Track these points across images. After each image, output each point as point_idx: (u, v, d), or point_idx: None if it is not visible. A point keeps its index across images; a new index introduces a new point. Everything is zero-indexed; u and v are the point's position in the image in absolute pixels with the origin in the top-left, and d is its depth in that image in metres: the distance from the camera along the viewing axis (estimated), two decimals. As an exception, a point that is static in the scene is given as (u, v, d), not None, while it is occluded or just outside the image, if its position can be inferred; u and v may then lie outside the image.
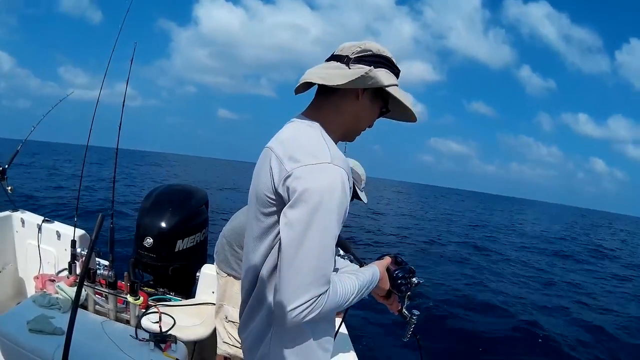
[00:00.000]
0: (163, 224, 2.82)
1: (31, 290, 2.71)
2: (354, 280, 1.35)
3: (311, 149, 1.24)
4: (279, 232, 1.24)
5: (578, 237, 27.90)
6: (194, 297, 2.78)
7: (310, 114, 1.40)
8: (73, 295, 2.30)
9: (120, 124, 2.80)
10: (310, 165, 1.19)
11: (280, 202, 1.24)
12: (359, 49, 1.35)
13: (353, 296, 1.33)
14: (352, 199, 2.99)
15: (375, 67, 1.31)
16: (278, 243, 1.26)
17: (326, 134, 1.32)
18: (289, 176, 1.20)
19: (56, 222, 3.18)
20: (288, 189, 1.20)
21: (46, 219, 3.17)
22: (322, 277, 1.18)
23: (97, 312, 2.38)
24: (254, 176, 1.41)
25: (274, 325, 1.32)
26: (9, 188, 3.23)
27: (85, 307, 2.36)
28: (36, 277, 2.58)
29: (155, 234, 2.79)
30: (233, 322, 2.25)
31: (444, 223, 24.46)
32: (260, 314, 1.36)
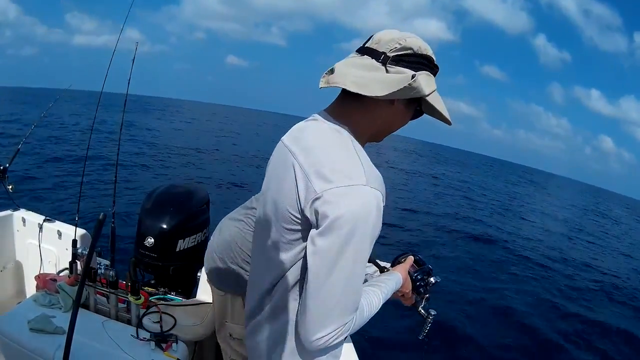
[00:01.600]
0: (164, 224, 2.82)
1: (32, 289, 2.71)
2: (379, 294, 1.33)
3: (344, 166, 1.12)
4: (302, 251, 1.19)
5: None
6: (195, 297, 2.78)
7: (337, 114, 1.28)
8: (74, 294, 2.30)
9: (121, 128, 2.81)
10: (343, 187, 1.08)
11: (306, 223, 1.15)
12: (398, 46, 1.19)
13: (377, 310, 1.31)
14: None
15: (416, 70, 1.18)
16: (300, 262, 1.21)
17: (357, 143, 1.22)
18: (318, 198, 1.09)
19: (57, 222, 3.18)
20: (317, 212, 1.10)
21: (47, 218, 3.17)
22: (351, 307, 1.13)
23: (98, 311, 2.38)
24: (271, 179, 1.34)
25: (287, 342, 1.27)
26: (10, 187, 3.22)
27: (86, 307, 2.36)
28: (37, 277, 2.57)
29: (156, 233, 2.80)
30: (239, 339, 2.14)
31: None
32: (272, 330, 1.30)
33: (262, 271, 1.32)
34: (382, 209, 1.12)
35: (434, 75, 1.27)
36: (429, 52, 1.23)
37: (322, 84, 1.25)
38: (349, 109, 1.27)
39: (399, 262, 1.62)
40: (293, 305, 1.24)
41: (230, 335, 2.16)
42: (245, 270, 2.04)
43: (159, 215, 2.87)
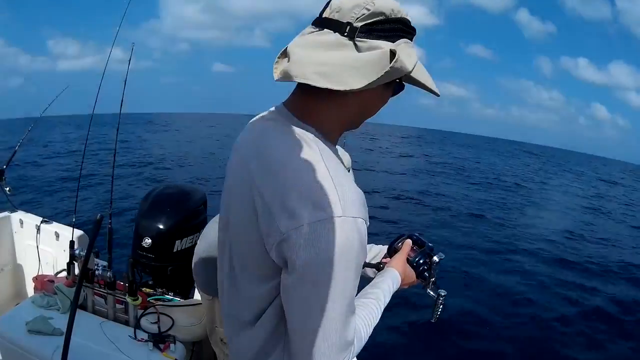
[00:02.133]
0: (161, 225, 2.82)
1: (30, 291, 2.72)
2: (375, 306, 1.19)
3: (313, 193, 0.89)
4: (276, 286, 0.99)
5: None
6: (192, 297, 2.78)
7: (301, 112, 1.04)
8: (72, 295, 2.30)
9: (118, 128, 2.81)
10: (314, 223, 0.86)
11: (273, 262, 0.95)
12: (366, 12, 0.93)
13: (377, 321, 1.18)
14: None
15: (392, 41, 0.95)
16: (278, 299, 1.01)
17: (327, 151, 0.98)
18: (284, 240, 0.89)
19: (55, 223, 3.19)
20: (284, 257, 0.91)
21: (45, 219, 3.18)
22: (344, 347, 0.95)
23: (95, 312, 2.38)
24: (231, 196, 1.10)
25: None
26: (8, 189, 3.23)
27: (84, 308, 2.36)
28: (35, 278, 2.58)
29: (154, 234, 2.79)
30: None
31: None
32: None
33: (236, 304, 1.12)
34: (365, 235, 0.93)
35: (412, 40, 1.01)
36: (403, 12, 0.98)
37: (276, 76, 1.01)
38: (314, 103, 1.03)
39: (395, 250, 1.47)
40: (278, 342, 1.05)
41: (222, 340, 2.18)
42: None
43: (156, 215, 2.87)
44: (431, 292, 1.47)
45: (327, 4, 1.00)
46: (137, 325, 2.27)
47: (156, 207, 2.94)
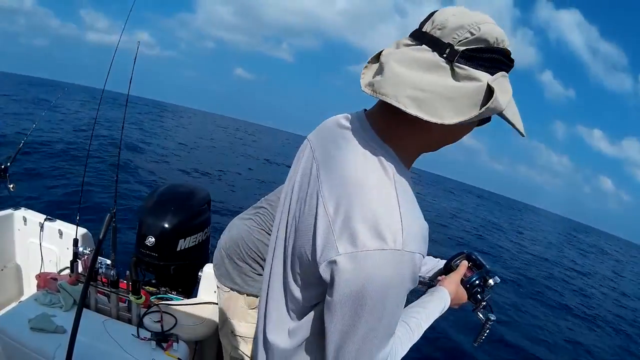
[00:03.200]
0: (165, 224, 2.82)
1: (33, 288, 2.72)
2: (416, 325, 1.17)
3: (377, 219, 0.85)
4: (320, 295, 0.98)
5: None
6: (195, 297, 2.78)
7: (382, 128, 0.99)
8: (75, 294, 2.30)
9: (123, 125, 2.81)
10: (371, 252, 0.83)
11: (321, 278, 0.91)
12: (469, 37, 0.87)
13: (415, 341, 1.17)
14: None
15: (492, 73, 0.89)
16: (315, 311, 1.01)
17: (401, 179, 0.93)
18: (337, 259, 0.86)
19: (58, 221, 3.19)
20: (333, 275, 0.88)
21: (48, 217, 3.17)
22: None
23: (98, 310, 2.38)
24: (295, 192, 1.09)
25: None
26: (11, 186, 3.22)
27: (87, 306, 2.35)
28: (38, 276, 2.58)
29: (157, 233, 2.79)
30: (240, 336, 2.16)
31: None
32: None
33: (276, 303, 1.12)
34: (419, 269, 0.90)
35: (508, 72, 0.94)
36: (507, 43, 0.91)
37: (364, 85, 0.95)
38: (397, 125, 0.98)
39: (451, 268, 1.44)
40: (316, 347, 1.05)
41: (232, 332, 2.17)
42: (251, 267, 2.07)
43: (160, 214, 2.87)
44: (480, 315, 1.44)
45: (429, 16, 0.94)
46: (140, 324, 2.27)
47: (160, 205, 2.93)
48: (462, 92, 0.86)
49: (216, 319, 2.47)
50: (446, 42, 0.87)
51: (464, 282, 1.39)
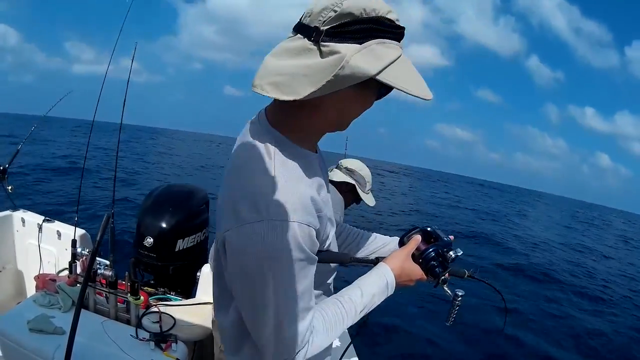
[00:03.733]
0: (163, 224, 2.82)
1: (31, 289, 2.72)
2: (349, 304, 1.17)
3: (253, 195, 0.95)
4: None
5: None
6: (194, 297, 2.78)
7: (274, 118, 1.07)
8: (74, 294, 2.30)
9: (120, 125, 2.81)
10: (247, 225, 0.93)
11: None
12: (333, 15, 0.91)
13: (351, 320, 1.18)
14: (357, 202, 2.97)
15: (361, 42, 0.91)
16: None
17: (284, 160, 1.01)
18: (227, 233, 0.97)
19: (57, 222, 3.19)
20: (227, 250, 0.99)
21: (47, 218, 3.18)
22: (289, 345, 1.02)
23: (97, 311, 2.38)
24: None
25: None
26: (9, 188, 3.23)
27: (85, 307, 2.36)
28: (36, 277, 2.58)
29: (156, 233, 2.80)
30: None
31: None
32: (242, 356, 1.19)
33: (216, 287, 1.22)
34: (301, 236, 0.95)
35: (399, 37, 0.98)
36: (381, 11, 0.93)
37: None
38: (286, 110, 1.05)
39: (404, 244, 1.38)
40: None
41: None
42: None
43: (158, 215, 2.87)
44: (447, 291, 1.34)
45: None
46: (139, 325, 2.27)
47: (158, 206, 2.94)
48: (319, 66, 0.90)
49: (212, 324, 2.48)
50: (313, 25, 0.92)
51: (415, 256, 1.31)
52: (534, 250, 14.52)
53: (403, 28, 0.98)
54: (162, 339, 2.16)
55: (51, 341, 2.02)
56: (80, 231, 2.87)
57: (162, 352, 2.10)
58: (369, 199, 2.85)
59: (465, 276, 1.46)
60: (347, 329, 1.21)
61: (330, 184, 2.85)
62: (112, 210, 2.60)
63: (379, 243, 1.55)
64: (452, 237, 1.39)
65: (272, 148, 1.01)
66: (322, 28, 0.91)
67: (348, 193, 2.83)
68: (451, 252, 1.31)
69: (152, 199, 3.00)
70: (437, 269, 1.29)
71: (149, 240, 2.78)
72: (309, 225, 0.97)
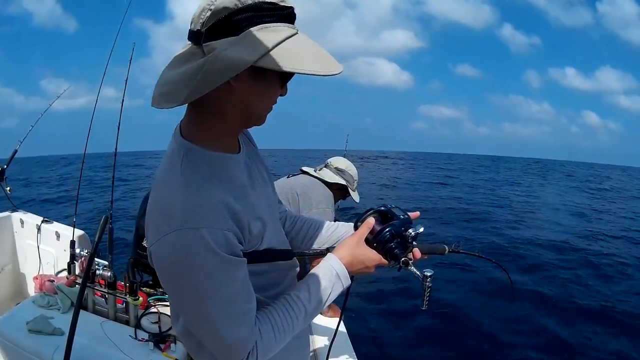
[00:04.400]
0: (162, 224, 2.82)
1: (30, 290, 2.72)
2: (295, 301, 1.14)
3: (164, 208, 0.96)
4: None
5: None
6: (193, 297, 2.78)
7: (185, 128, 1.07)
8: (72, 295, 2.31)
9: (119, 124, 2.82)
10: (164, 237, 0.93)
11: None
12: (209, 15, 0.90)
13: (304, 318, 1.15)
14: (344, 198, 3.04)
15: (239, 33, 0.90)
16: None
17: (192, 166, 1.00)
18: (150, 248, 0.99)
19: (55, 223, 3.19)
20: (154, 264, 1.00)
21: (45, 219, 3.18)
22: (233, 347, 1.01)
23: (96, 312, 2.38)
24: None
25: None
26: (8, 188, 3.23)
27: (84, 308, 2.35)
28: (35, 278, 2.58)
29: (155, 234, 2.80)
30: None
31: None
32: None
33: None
34: (213, 240, 0.94)
35: (287, 18, 0.96)
36: None
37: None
38: (195, 116, 1.05)
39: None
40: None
41: None
42: None
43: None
44: (416, 272, 1.19)
45: None
46: (138, 325, 2.27)
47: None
48: (193, 68, 0.90)
49: None
50: (195, 29, 0.92)
51: (369, 240, 1.22)
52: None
53: (289, 7, 0.96)
54: (161, 339, 2.16)
55: (50, 342, 2.02)
56: (78, 232, 2.87)
57: (161, 352, 2.10)
58: (355, 196, 2.94)
59: (447, 252, 1.35)
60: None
61: (317, 180, 2.90)
62: (110, 211, 2.61)
63: (341, 231, 1.44)
64: (416, 213, 1.30)
65: (180, 159, 1.01)
66: (202, 30, 0.91)
67: (338, 191, 2.92)
68: (410, 230, 1.21)
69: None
70: (395, 251, 1.19)
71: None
72: (221, 229, 0.96)
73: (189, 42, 0.95)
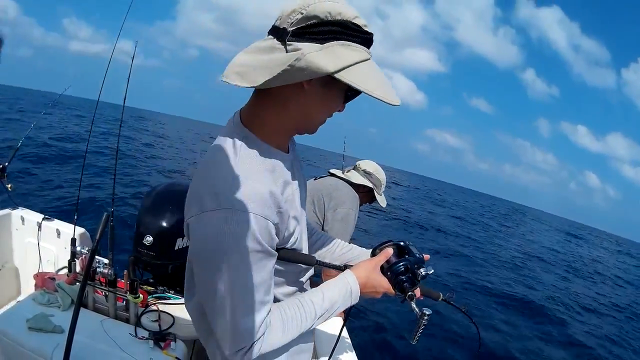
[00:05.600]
0: (163, 223, 2.82)
1: (31, 288, 2.72)
2: (309, 306, 1.20)
3: (215, 187, 1.02)
4: None
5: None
6: (193, 296, 2.78)
7: (246, 116, 1.16)
8: (73, 293, 2.31)
9: (121, 124, 2.82)
10: (208, 213, 1.00)
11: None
12: (299, 17, 1.00)
13: (312, 323, 1.21)
14: (370, 202, 3.03)
15: (323, 42, 0.99)
16: None
17: (250, 155, 1.09)
18: (190, 219, 1.06)
19: (56, 220, 3.20)
20: (189, 236, 1.08)
21: (46, 217, 3.18)
22: (243, 334, 1.06)
23: (96, 310, 2.38)
24: None
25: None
26: (9, 186, 3.23)
27: (84, 305, 2.36)
28: (36, 275, 2.58)
29: (155, 232, 2.79)
30: None
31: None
32: (210, 345, 1.27)
33: (186, 277, 1.28)
34: (258, 228, 1.01)
35: (366, 43, 1.06)
36: (347, 15, 1.01)
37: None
38: (257, 109, 1.15)
39: (374, 256, 1.40)
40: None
41: None
42: None
43: (158, 213, 2.86)
44: (415, 308, 1.32)
45: None
46: (138, 323, 2.27)
47: (159, 204, 2.93)
48: (278, 59, 1.00)
49: None
50: (282, 27, 1.02)
51: (384, 268, 1.32)
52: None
53: (371, 34, 1.06)
54: (161, 337, 2.16)
55: (50, 340, 2.02)
56: (79, 229, 2.87)
57: (162, 350, 2.10)
58: (382, 201, 2.93)
59: (440, 299, 1.48)
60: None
61: (343, 181, 2.90)
62: (112, 208, 2.61)
63: (355, 253, 1.58)
64: (427, 255, 1.38)
65: (238, 143, 1.10)
66: (289, 29, 1.01)
67: (365, 194, 2.92)
68: (422, 270, 1.30)
69: (152, 198, 3.00)
70: (405, 284, 1.30)
71: (149, 239, 2.77)
72: (266, 218, 1.03)
73: (270, 36, 1.05)
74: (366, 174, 2.89)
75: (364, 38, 1.05)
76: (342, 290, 1.26)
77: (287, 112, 1.12)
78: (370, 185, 2.87)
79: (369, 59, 1.06)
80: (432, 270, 1.32)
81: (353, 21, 1.02)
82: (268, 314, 1.11)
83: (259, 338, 1.08)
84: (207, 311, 1.11)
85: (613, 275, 18.57)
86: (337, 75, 0.99)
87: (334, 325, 2.47)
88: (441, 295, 1.48)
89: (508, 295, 9.42)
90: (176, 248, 2.84)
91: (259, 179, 1.06)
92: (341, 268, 1.38)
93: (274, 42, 1.03)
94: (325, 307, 1.22)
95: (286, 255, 1.17)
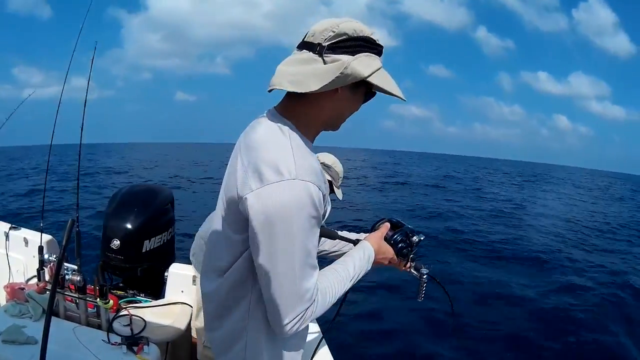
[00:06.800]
0: (129, 225, 2.85)
1: (1, 300, 2.71)
2: (342, 272, 1.36)
3: (275, 161, 1.16)
4: (245, 241, 1.23)
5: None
6: (164, 297, 2.82)
7: (284, 110, 1.32)
8: (43, 302, 2.32)
9: (82, 124, 2.81)
10: (272, 184, 1.13)
11: (244, 216, 1.19)
12: (332, 34, 1.21)
13: (345, 287, 1.36)
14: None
15: (353, 54, 1.21)
16: (246, 253, 1.25)
17: (297, 137, 1.25)
18: (250, 194, 1.15)
19: (23, 229, 3.16)
20: (250, 207, 1.15)
21: (13, 226, 3.14)
22: (304, 296, 1.18)
23: (67, 318, 2.40)
24: (226, 172, 1.36)
25: (247, 332, 1.31)
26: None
27: (56, 314, 2.37)
28: (6, 287, 2.57)
29: (122, 235, 2.82)
30: None
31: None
32: (229, 321, 1.34)
33: (216, 253, 1.38)
34: (316, 197, 1.16)
35: (379, 53, 1.29)
36: (367, 32, 1.24)
37: (269, 87, 1.28)
38: (293, 104, 1.30)
39: (375, 231, 1.61)
40: (250, 287, 1.29)
41: None
42: None
43: (123, 215, 2.89)
44: (414, 272, 1.63)
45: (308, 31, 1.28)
46: (110, 329, 2.29)
47: (123, 207, 2.96)
48: (325, 69, 1.20)
49: (186, 318, 2.53)
50: (316, 42, 1.23)
51: (387, 238, 1.55)
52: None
53: (382, 47, 1.29)
54: (133, 342, 2.20)
55: (25, 351, 2.04)
56: (46, 237, 2.86)
57: (135, 354, 2.14)
58: (339, 193, 2.97)
59: (422, 272, 1.67)
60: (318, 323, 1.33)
61: None
62: (76, 214, 2.61)
63: (341, 245, 1.75)
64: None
65: (285, 128, 1.26)
66: (324, 44, 1.21)
67: None
68: (414, 237, 1.57)
69: (116, 200, 3.02)
70: (404, 250, 1.56)
71: (116, 243, 2.80)
72: (319, 189, 1.18)
73: (304, 50, 1.25)
74: (325, 167, 2.91)
75: (379, 50, 1.28)
76: (364, 257, 1.44)
77: (322, 111, 1.31)
78: (329, 178, 2.89)
79: (381, 67, 1.28)
80: (423, 237, 1.59)
81: (371, 36, 1.25)
82: (316, 278, 1.24)
83: (313, 302, 1.21)
84: (264, 281, 1.19)
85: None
86: (370, 78, 1.22)
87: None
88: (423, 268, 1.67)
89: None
90: (144, 250, 2.88)
91: (311, 157, 1.25)
92: (354, 242, 1.60)
93: (311, 55, 1.23)
94: (355, 272, 1.39)
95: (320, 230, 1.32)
